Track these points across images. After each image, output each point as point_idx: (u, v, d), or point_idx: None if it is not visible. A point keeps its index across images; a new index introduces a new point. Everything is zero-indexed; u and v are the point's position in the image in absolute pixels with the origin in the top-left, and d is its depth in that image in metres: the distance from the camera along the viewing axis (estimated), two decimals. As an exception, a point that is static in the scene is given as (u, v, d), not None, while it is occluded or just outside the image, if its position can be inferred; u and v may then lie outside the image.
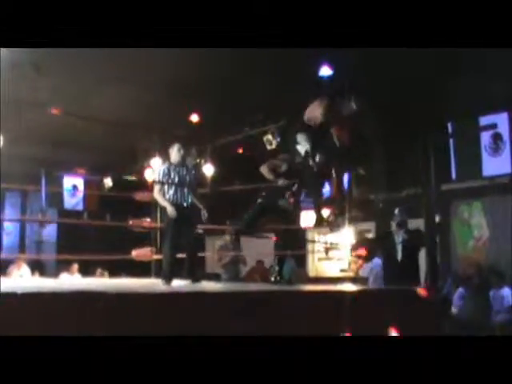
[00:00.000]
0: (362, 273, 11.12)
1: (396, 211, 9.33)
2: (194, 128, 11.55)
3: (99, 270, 13.61)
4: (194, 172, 8.68)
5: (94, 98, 11.11)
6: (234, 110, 11.04)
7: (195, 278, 8.02)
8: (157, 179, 8.31)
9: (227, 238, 11.92)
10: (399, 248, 8.99)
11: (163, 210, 8.35)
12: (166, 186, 8.18)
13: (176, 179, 8.18)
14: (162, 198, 8.16)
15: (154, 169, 8.95)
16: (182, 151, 8.35)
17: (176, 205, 8.07)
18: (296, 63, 8.87)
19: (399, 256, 8.95)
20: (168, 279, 7.79)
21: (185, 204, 8.17)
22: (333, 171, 8.45)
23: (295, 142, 8.30)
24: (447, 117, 11.63)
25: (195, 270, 8.19)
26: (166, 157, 8.83)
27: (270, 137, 10.36)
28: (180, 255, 8.06)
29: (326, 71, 9.18)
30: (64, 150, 13.80)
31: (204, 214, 8.45)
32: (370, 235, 13.90)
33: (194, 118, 11.19)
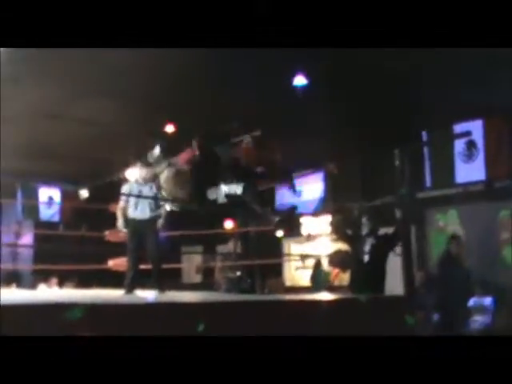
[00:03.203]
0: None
1: (364, 219, 9.37)
2: (169, 138, 11.54)
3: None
4: (155, 187, 8.92)
5: (69, 110, 11.09)
6: (209, 119, 11.04)
7: (161, 288, 8.38)
8: (121, 196, 9.01)
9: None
10: (367, 255, 9.04)
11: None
12: (127, 202, 8.86)
13: (136, 196, 8.77)
14: (120, 212, 8.94)
15: (129, 180, 9.09)
16: (143, 169, 8.93)
17: (134, 219, 8.72)
18: (271, 72, 8.90)
19: (366, 263, 8.98)
20: (128, 289, 8.30)
21: (145, 217, 8.71)
22: None
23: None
24: (421, 126, 11.69)
25: (160, 281, 8.53)
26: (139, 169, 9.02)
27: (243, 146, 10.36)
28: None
29: (300, 80, 9.21)
30: (40, 161, 13.76)
31: (160, 222, 8.87)
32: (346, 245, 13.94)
33: (170, 128, 11.17)
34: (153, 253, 8.61)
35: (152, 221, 8.78)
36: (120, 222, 8.93)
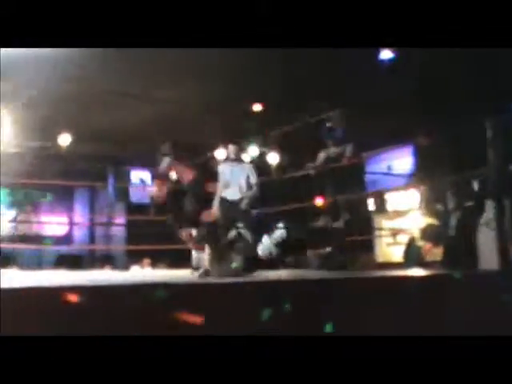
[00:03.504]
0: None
1: (454, 192, 9.21)
2: (257, 118, 11.58)
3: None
4: (248, 167, 9.01)
5: (157, 93, 11.24)
6: (297, 98, 11.03)
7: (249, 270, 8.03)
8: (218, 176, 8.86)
9: None
10: (456, 229, 8.89)
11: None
12: (221, 183, 8.75)
13: (229, 176, 8.72)
14: (217, 193, 8.70)
15: (218, 160, 9.17)
16: (235, 150, 8.96)
17: (226, 200, 8.66)
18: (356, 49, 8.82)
19: (456, 237, 8.83)
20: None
21: (235, 197, 8.70)
22: None
23: None
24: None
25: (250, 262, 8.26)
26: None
27: (331, 123, 10.31)
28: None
29: (386, 54, 9.10)
30: (131, 144, 14.00)
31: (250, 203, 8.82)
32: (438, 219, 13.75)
33: (257, 107, 11.19)
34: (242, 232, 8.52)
35: (243, 201, 8.83)
36: (215, 203, 8.81)
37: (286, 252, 6.67)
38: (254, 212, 9.19)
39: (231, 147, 9.01)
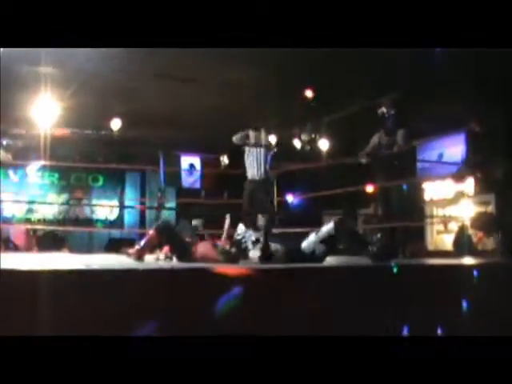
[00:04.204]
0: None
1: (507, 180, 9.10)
2: (308, 104, 11.54)
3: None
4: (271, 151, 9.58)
5: (207, 78, 11.26)
6: (348, 84, 10.95)
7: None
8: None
9: None
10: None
11: None
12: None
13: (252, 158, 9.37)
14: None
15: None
16: (259, 134, 9.52)
17: (249, 180, 9.44)
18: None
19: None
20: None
21: (256, 178, 9.36)
22: None
23: None
24: None
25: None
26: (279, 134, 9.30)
27: (384, 109, 10.23)
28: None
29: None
30: (181, 130, 14.07)
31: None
32: (490, 208, 13.60)
33: (308, 93, 11.15)
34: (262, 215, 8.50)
35: (264, 182, 8.94)
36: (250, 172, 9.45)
37: (333, 248, 6.54)
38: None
39: (251, 133, 9.45)
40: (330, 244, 6.26)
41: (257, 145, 9.30)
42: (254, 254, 6.75)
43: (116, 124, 13.15)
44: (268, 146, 9.53)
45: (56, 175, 17.56)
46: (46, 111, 11.63)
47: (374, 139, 9.41)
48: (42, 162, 12.40)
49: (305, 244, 6.38)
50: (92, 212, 18.33)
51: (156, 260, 6.69)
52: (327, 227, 6.30)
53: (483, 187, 14.01)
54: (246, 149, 9.47)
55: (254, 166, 9.29)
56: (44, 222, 17.11)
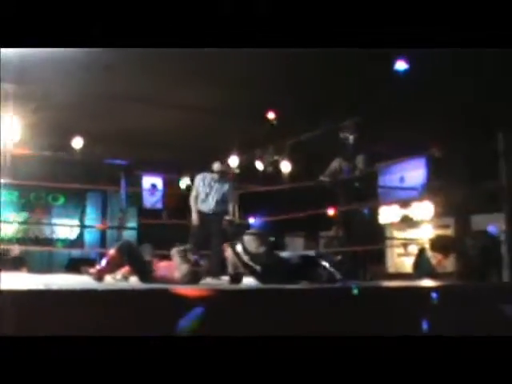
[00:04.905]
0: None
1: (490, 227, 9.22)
2: (270, 126, 11.58)
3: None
4: (228, 184, 9.23)
5: (170, 98, 11.25)
6: (311, 107, 11.03)
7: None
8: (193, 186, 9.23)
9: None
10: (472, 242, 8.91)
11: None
12: (199, 195, 9.05)
13: (208, 189, 8.99)
14: (193, 203, 9.05)
15: (233, 169, 9.31)
16: (222, 167, 9.12)
17: (201, 212, 8.95)
18: (371, 58, 8.82)
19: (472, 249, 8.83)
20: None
21: (210, 210, 8.94)
22: None
23: None
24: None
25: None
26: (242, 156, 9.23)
27: (345, 134, 10.32)
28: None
29: (401, 65, 9.09)
30: (143, 149, 14.03)
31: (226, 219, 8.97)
32: (449, 231, 13.75)
33: (271, 115, 11.20)
34: (214, 248, 8.49)
35: (217, 215, 8.90)
36: (193, 215, 9.02)
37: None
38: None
39: (217, 164, 9.13)
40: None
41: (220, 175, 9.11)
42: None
43: (78, 143, 13.07)
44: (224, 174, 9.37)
45: (15, 193, 17.38)
46: (5, 128, 11.51)
47: (334, 164, 9.48)
48: (1, 180, 12.24)
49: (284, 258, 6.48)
50: (52, 231, 18.15)
51: (113, 279, 6.67)
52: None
53: (443, 210, 14.18)
54: (208, 176, 9.24)
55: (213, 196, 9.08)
56: (2, 241, 16.91)
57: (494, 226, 9.19)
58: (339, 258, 9.22)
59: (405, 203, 15.39)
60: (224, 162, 9.45)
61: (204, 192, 8.98)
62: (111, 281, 6.57)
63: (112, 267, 6.47)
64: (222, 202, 9.00)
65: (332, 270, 6.67)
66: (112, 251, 6.40)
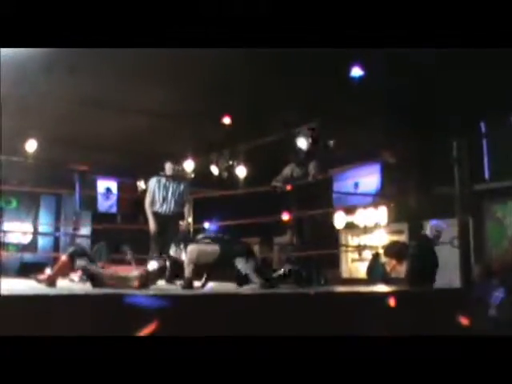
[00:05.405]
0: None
1: (433, 222, 9.28)
2: (226, 131, 11.57)
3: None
4: (184, 185, 9.28)
5: (124, 102, 11.18)
6: (266, 112, 11.04)
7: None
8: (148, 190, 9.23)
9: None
10: (420, 247, 8.99)
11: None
12: (155, 198, 9.04)
13: (164, 192, 9.01)
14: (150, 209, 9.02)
15: (187, 171, 9.29)
16: (175, 167, 9.20)
17: (159, 214, 8.95)
18: (327, 64, 8.86)
19: (419, 254, 8.90)
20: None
21: (168, 212, 8.97)
22: None
23: None
24: (480, 116, 11.54)
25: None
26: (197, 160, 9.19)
27: (300, 139, 10.36)
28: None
29: (356, 72, 9.15)
30: (97, 153, 13.92)
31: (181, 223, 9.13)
32: (403, 236, 13.86)
33: (226, 120, 11.18)
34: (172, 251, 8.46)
35: (175, 217, 8.95)
36: (150, 221, 9.00)
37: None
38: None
39: (168, 164, 9.16)
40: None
41: (173, 177, 9.13)
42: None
43: (31, 146, 12.91)
44: (180, 177, 9.39)
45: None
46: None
47: (287, 170, 9.49)
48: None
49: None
50: (3, 235, 17.91)
51: (71, 281, 6.64)
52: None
53: (397, 216, 14.30)
54: (162, 179, 9.22)
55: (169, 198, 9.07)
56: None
57: (436, 221, 9.26)
58: (290, 266, 9.24)
59: (359, 209, 15.49)
60: (176, 162, 9.39)
61: (161, 195, 8.99)
62: (68, 283, 6.56)
63: (63, 273, 6.43)
64: (180, 203, 9.06)
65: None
66: (63, 257, 6.36)
